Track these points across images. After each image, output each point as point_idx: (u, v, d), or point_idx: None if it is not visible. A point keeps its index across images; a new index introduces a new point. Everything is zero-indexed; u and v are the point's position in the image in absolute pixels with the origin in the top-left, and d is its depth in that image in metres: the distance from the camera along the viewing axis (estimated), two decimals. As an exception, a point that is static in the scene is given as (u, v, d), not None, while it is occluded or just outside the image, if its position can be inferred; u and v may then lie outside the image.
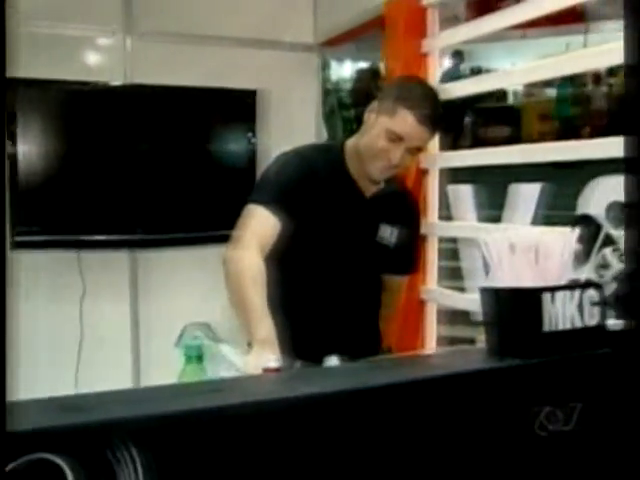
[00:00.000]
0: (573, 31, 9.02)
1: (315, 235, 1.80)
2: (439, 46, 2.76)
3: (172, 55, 3.20)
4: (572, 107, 8.73)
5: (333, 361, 1.27)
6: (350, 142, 1.90)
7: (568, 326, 1.12)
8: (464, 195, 2.61)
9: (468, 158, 2.68)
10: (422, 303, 2.77)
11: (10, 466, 0.77)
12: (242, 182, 3.11)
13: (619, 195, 2.03)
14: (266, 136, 3.40)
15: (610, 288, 1.22)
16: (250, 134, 3.34)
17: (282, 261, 1.80)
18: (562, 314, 1.12)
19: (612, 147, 1.91)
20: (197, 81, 3.19)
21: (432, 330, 2.83)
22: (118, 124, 3.16)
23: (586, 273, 1.23)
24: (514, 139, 8.82)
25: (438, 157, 2.66)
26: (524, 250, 1.15)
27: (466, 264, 2.87)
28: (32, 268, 3.04)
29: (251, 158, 3.32)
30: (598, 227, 1.34)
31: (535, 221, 2.23)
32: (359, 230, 1.89)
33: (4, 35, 0.67)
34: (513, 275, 1.15)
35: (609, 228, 1.95)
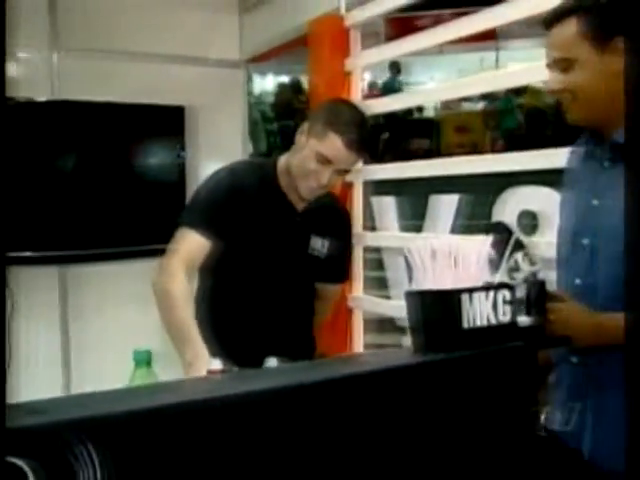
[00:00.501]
0: (486, 48, 9.42)
1: (249, 249, 1.89)
2: (361, 65, 2.89)
3: (99, 71, 3.22)
4: (515, 119, 8.99)
5: (272, 362, 1.35)
6: (282, 159, 1.98)
7: (485, 323, 1.25)
8: (387, 206, 2.74)
9: (390, 171, 2.83)
10: (350, 311, 2.89)
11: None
12: (172, 196, 3.17)
13: (529, 204, 2.21)
14: (195, 151, 3.46)
15: (521, 289, 1.35)
16: (179, 149, 3.40)
17: (218, 273, 1.89)
18: (479, 312, 1.25)
19: (523, 160, 2.09)
20: (126, 97, 3.22)
21: (359, 337, 2.95)
22: (44, 140, 3.16)
23: (499, 276, 1.35)
24: (433, 151, 9.10)
25: (362, 170, 2.79)
26: (444, 256, 1.27)
27: (390, 274, 3.01)
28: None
29: (181, 173, 3.37)
30: (510, 234, 1.46)
31: (454, 230, 2.37)
32: (291, 243, 1.97)
33: (4, 35, 0.68)
34: (435, 279, 1.27)
35: (520, 235, 2.12)
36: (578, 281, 1.47)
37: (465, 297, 1.23)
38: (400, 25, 7.94)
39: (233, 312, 1.90)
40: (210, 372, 1.22)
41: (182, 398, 0.99)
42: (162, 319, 1.69)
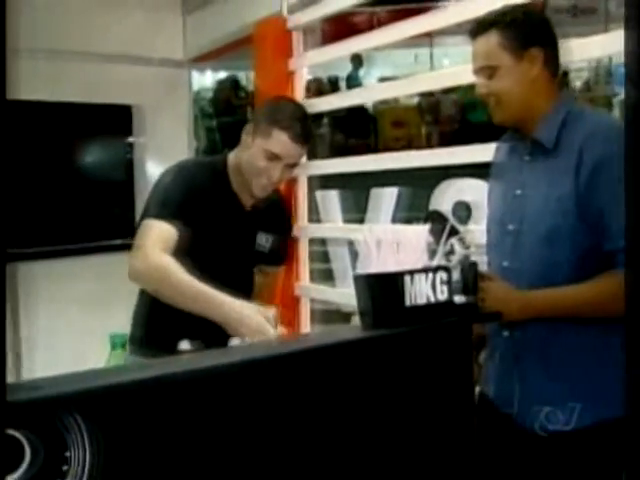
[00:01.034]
0: (421, 44, 9.66)
1: (201, 245, 1.90)
2: (304, 65, 3.03)
3: (47, 71, 3.27)
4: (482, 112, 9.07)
5: (236, 341, 1.46)
6: (231, 158, 2.02)
7: (424, 301, 1.40)
8: (331, 200, 2.88)
9: (332, 166, 2.97)
10: (297, 300, 3.02)
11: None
12: (120, 194, 3.24)
13: (463, 195, 2.39)
14: (142, 149, 3.54)
15: (456, 271, 1.51)
16: (127, 147, 3.47)
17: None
18: (419, 292, 1.40)
19: (456, 154, 2.26)
20: (73, 97, 3.28)
21: (306, 326, 3.09)
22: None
23: (437, 259, 1.50)
24: (371, 145, 9.28)
25: (306, 165, 2.92)
26: (388, 243, 1.42)
27: (336, 265, 3.14)
28: None
29: (128, 171, 3.44)
30: (445, 221, 1.62)
31: (394, 220, 2.53)
32: (239, 241, 2.03)
33: (4, 42, 0.72)
34: (380, 264, 1.41)
35: (455, 223, 2.29)
36: (505, 263, 1.64)
37: (407, 278, 1.38)
38: (336, 23, 8.09)
39: None
40: (180, 352, 1.34)
41: (162, 372, 1.12)
42: (165, 291, 1.70)
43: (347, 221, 2.87)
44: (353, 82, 9.80)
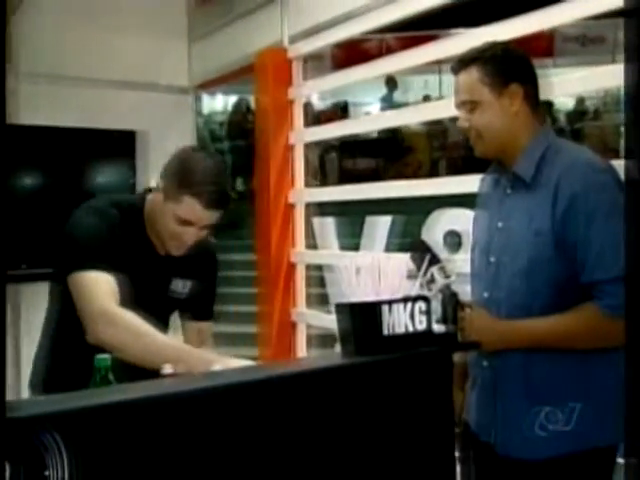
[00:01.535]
0: (430, 70, 9.77)
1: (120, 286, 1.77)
2: (304, 94, 3.10)
3: (54, 96, 3.34)
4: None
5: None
6: (149, 201, 1.87)
7: (402, 330, 1.44)
8: (328, 226, 2.93)
9: (330, 194, 3.03)
10: (294, 325, 3.07)
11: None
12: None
13: (454, 225, 2.43)
14: (145, 174, 3.60)
15: (436, 300, 1.54)
16: (130, 172, 3.54)
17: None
18: (398, 321, 1.43)
19: (447, 185, 2.31)
20: (79, 122, 3.35)
21: (303, 350, 3.13)
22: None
23: (416, 287, 1.53)
24: (379, 170, 9.34)
25: (304, 193, 2.98)
26: (368, 272, 1.46)
27: (331, 290, 3.18)
28: None
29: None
30: (427, 250, 1.66)
31: (388, 247, 2.57)
32: (151, 285, 1.86)
33: (4, 46, 0.75)
34: (360, 292, 1.45)
35: (444, 251, 2.33)
36: (486, 294, 1.67)
37: (385, 308, 1.42)
38: (346, 49, 8.23)
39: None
40: (163, 376, 1.38)
41: (138, 395, 1.16)
42: (136, 350, 1.60)
43: (343, 248, 2.92)
44: (387, 104, 9.89)
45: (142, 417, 1.14)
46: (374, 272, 1.47)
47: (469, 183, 2.11)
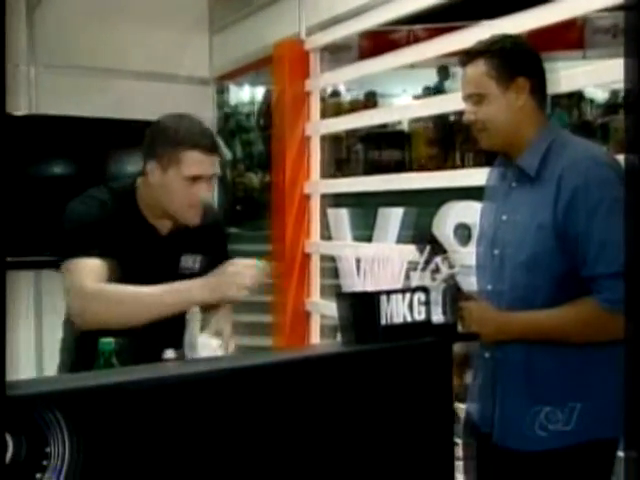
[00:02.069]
0: (453, 63, 9.67)
1: (119, 276, 1.75)
2: (320, 86, 3.12)
3: (75, 87, 3.41)
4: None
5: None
6: (141, 185, 1.86)
7: (400, 320, 1.46)
8: (341, 217, 2.95)
9: (345, 185, 3.05)
10: (307, 315, 3.10)
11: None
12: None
13: (464, 218, 2.43)
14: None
15: (436, 291, 1.55)
16: (150, 164, 3.58)
17: None
18: (396, 311, 1.45)
19: (456, 177, 2.32)
20: (99, 112, 3.40)
21: (317, 340, 3.16)
22: (22, 153, 3.32)
23: (419, 278, 1.55)
24: (404, 163, 9.32)
25: (319, 184, 3.00)
26: (368, 263, 1.48)
27: (344, 281, 3.19)
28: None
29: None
30: (433, 241, 1.67)
31: (400, 239, 2.58)
32: (157, 267, 1.85)
33: (4, 36, 0.74)
34: (360, 282, 1.48)
35: (455, 245, 2.33)
36: (490, 286, 1.68)
37: (383, 298, 1.44)
38: (374, 38, 8.22)
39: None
40: (165, 360, 1.42)
41: (139, 377, 1.20)
42: (128, 311, 1.62)
43: (356, 239, 2.94)
44: (438, 93, 9.81)
45: (142, 399, 1.18)
46: (374, 262, 1.49)
47: (480, 175, 2.11)
